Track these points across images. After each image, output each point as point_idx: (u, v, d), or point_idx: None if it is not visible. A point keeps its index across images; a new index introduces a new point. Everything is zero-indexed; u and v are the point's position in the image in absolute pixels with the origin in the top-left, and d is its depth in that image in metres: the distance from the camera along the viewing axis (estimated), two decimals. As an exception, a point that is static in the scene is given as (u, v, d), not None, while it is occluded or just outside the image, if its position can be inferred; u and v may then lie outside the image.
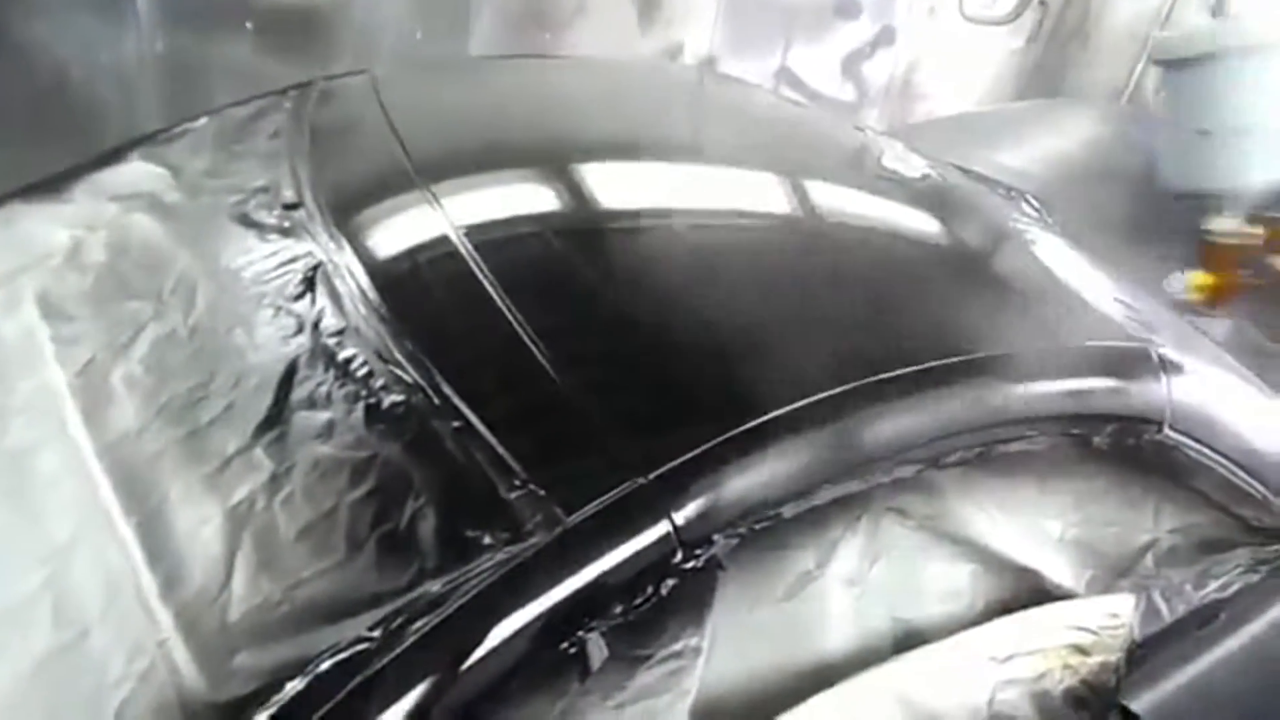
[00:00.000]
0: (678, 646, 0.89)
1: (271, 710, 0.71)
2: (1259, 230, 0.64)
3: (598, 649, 0.80)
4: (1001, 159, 2.52)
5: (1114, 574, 1.20)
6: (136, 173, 1.44)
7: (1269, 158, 0.53)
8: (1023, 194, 2.24)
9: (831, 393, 0.93)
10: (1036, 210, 2.14)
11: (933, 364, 1.01)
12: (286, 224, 1.16)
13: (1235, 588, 1.28)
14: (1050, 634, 1.06)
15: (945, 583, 1.10)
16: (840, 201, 1.41)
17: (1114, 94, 3.92)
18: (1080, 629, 1.08)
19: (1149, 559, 1.23)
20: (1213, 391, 1.29)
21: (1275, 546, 1.33)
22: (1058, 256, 1.44)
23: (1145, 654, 1.18)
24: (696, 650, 0.91)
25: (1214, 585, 1.27)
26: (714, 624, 0.90)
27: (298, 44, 2.84)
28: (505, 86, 1.65)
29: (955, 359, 1.03)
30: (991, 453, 1.06)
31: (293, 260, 1.10)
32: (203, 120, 1.57)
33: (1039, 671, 1.05)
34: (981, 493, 1.09)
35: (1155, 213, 2.43)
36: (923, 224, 1.40)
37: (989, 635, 1.03)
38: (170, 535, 0.85)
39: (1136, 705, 1.14)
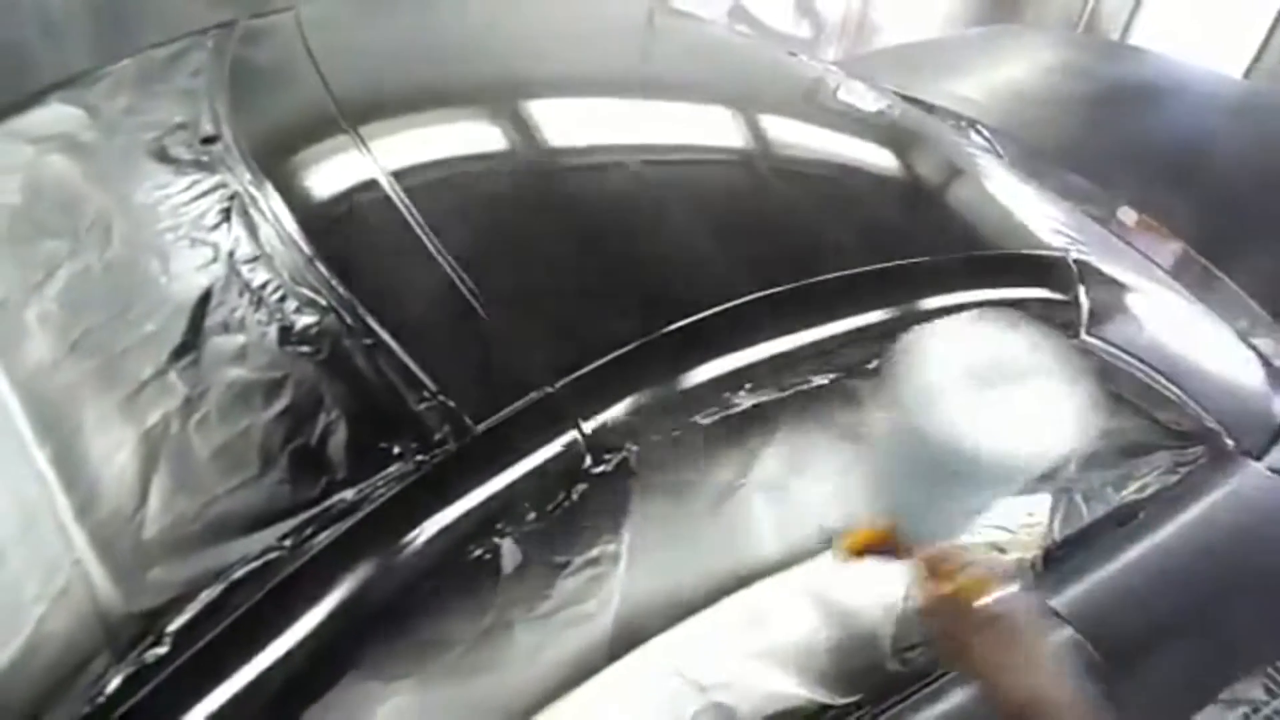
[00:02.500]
0: (595, 553, 0.92)
1: (185, 618, 0.73)
2: None
3: (511, 554, 0.82)
4: (955, 88, 2.51)
5: (1037, 478, 1.23)
6: (53, 115, 1.41)
7: None
8: (973, 123, 2.24)
9: (743, 300, 0.95)
10: (985, 139, 2.15)
11: (849, 271, 1.03)
12: (204, 158, 1.15)
13: (1154, 489, 1.33)
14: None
15: (870, 494, 1.13)
16: (778, 130, 1.41)
17: (1069, 22, 3.91)
18: (996, 527, 1.12)
19: (1071, 463, 1.27)
20: (1132, 299, 1.32)
21: (1193, 450, 1.37)
22: (991, 178, 1.46)
23: (1065, 552, 1.23)
24: (615, 557, 0.93)
25: (1133, 487, 1.32)
26: (632, 531, 0.93)
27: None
28: (439, 21, 1.62)
29: (870, 267, 1.05)
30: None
31: (209, 192, 1.09)
32: (124, 62, 1.54)
33: (955, 568, 1.08)
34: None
35: (1108, 142, 2.44)
36: (858, 150, 1.40)
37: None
38: (85, 461, 0.86)
39: (1053, 600, 1.19)
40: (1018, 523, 1.14)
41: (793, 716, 0.97)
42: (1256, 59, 3.51)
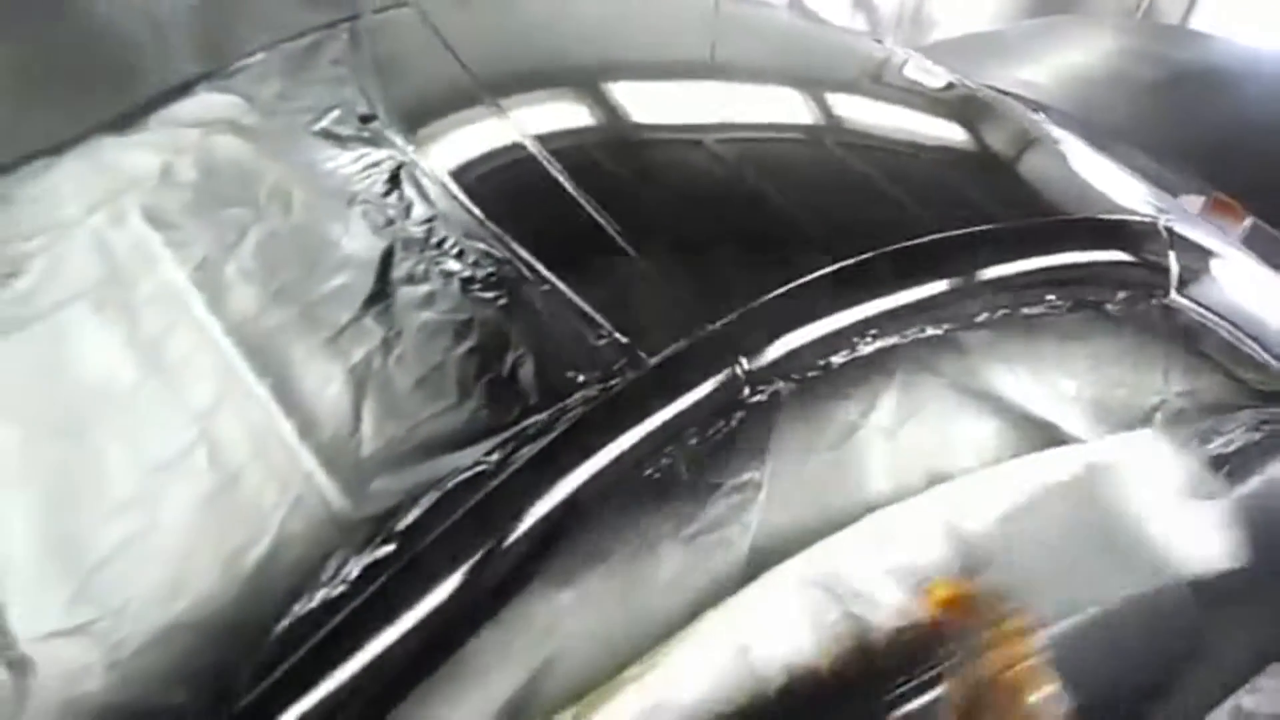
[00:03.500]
0: (743, 479, 1.02)
1: (411, 519, 0.85)
2: None
3: (679, 471, 0.93)
4: (1017, 74, 2.58)
5: (1126, 431, 1.31)
6: (210, 102, 1.55)
7: None
8: (1038, 105, 2.31)
9: (871, 254, 1.05)
10: (1051, 119, 2.22)
11: (959, 231, 1.12)
12: (365, 134, 1.27)
13: (1238, 445, 1.40)
14: (1069, 469, 1.18)
15: (973, 437, 1.22)
16: (871, 103, 1.52)
17: (1126, 12, 3.94)
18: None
19: (1158, 418, 1.35)
20: (1217, 262, 1.40)
21: (1276, 409, 1.44)
22: (1074, 151, 1.54)
23: (1154, 499, 1.30)
24: (758, 485, 1.04)
25: (1218, 442, 1.39)
26: (772, 462, 1.04)
27: (320, -12, 2.93)
28: (538, 12, 1.75)
29: (979, 228, 1.14)
30: (1015, 315, 1.17)
31: (376, 164, 1.21)
32: (260, 55, 1.68)
33: (1059, 503, 1.17)
34: (1006, 352, 1.21)
35: (1171, 127, 2.48)
36: (950, 122, 1.50)
37: (1017, 468, 1.16)
38: (301, 393, 0.98)
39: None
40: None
41: (916, 630, 1.06)
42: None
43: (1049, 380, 1.27)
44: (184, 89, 1.67)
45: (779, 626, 0.99)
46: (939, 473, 1.18)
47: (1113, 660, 1.22)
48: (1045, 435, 1.25)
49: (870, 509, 1.11)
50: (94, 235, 1.31)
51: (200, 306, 1.11)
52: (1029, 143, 1.48)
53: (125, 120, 1.60)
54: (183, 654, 0.83)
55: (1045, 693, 0.76)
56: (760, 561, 1.04)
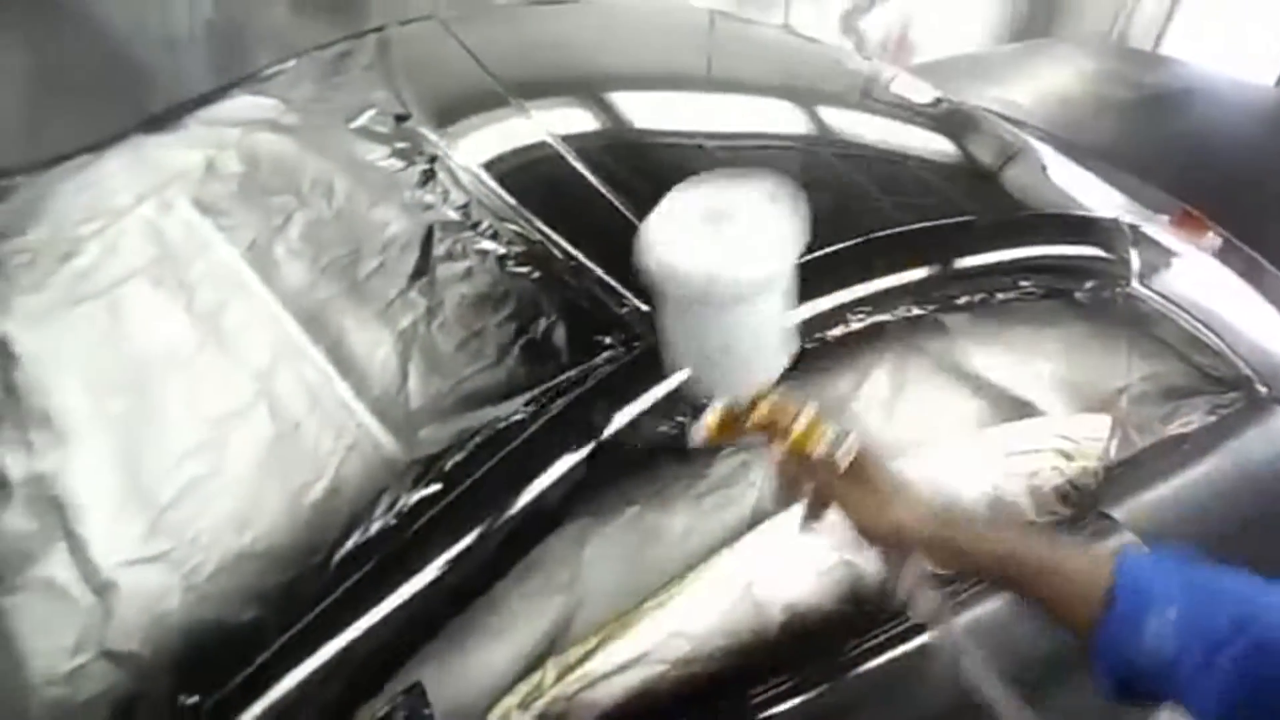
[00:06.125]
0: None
1: (459, 457, 0.95)
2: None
3: (695, 429, 1.04)
4: (998, 94, 2.73)
5: (1094, 411, 1.44)
6: (247, 104, 1.66)
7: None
8: (1017, 121, 2.45)
9: (860, 239, 1.17)
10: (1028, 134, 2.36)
11: (939, 222, 1.25)
12: (400, 131, 1.39)
13: (1195, 426, 1.53)
14: (1042, 439, 1.30)
15: (956, 413, 1.34)
16: (863, 112, 1.65)
17: (1102, 37, 4.13)
18: (1065, 438, 1.32)
19: (1124, 400, 1.47)
20: (1177, 261, 1.53)
21: (1230, 394, 1.57)
22: (1049, 160, 1.68)
23: (1120, 472, 1.43)
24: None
25: (1178, 423, 1.51)
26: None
27: (330, 5, 3.07)
28: (550, 27, 1.88)
29: (957, 219, 1.26)
30: (992, 300, 1.29)
31: (412, 158, 1.32)
32: (291, 62, 1.79)
33: (1033, 469, 1.29)
34: (985, 335, 1.33)
35: (1142, 146, 2.63)
36: (937, 131, 1.63)
37: (996, 435, 1.27)
38: (353, 356, 1.09)
39: (1113, 511, 1.39)
40: (1083, 435, 1.34)
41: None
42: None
43: (1025, 362, 1.39)
44: (218, 93, 1.79)
45: (780, 570, 1.10)
46: (926, 439, 1.29)
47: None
48: (1022, 413, 1.37)
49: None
50: (145, 221, 1.42)
51: (255, 281, 1.22)
52: (1007, 150, 1.61)
53: (161, 121, 1.72)
54: (253, 577, 0.93)
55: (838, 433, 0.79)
56: (763, 512, 1.14)
